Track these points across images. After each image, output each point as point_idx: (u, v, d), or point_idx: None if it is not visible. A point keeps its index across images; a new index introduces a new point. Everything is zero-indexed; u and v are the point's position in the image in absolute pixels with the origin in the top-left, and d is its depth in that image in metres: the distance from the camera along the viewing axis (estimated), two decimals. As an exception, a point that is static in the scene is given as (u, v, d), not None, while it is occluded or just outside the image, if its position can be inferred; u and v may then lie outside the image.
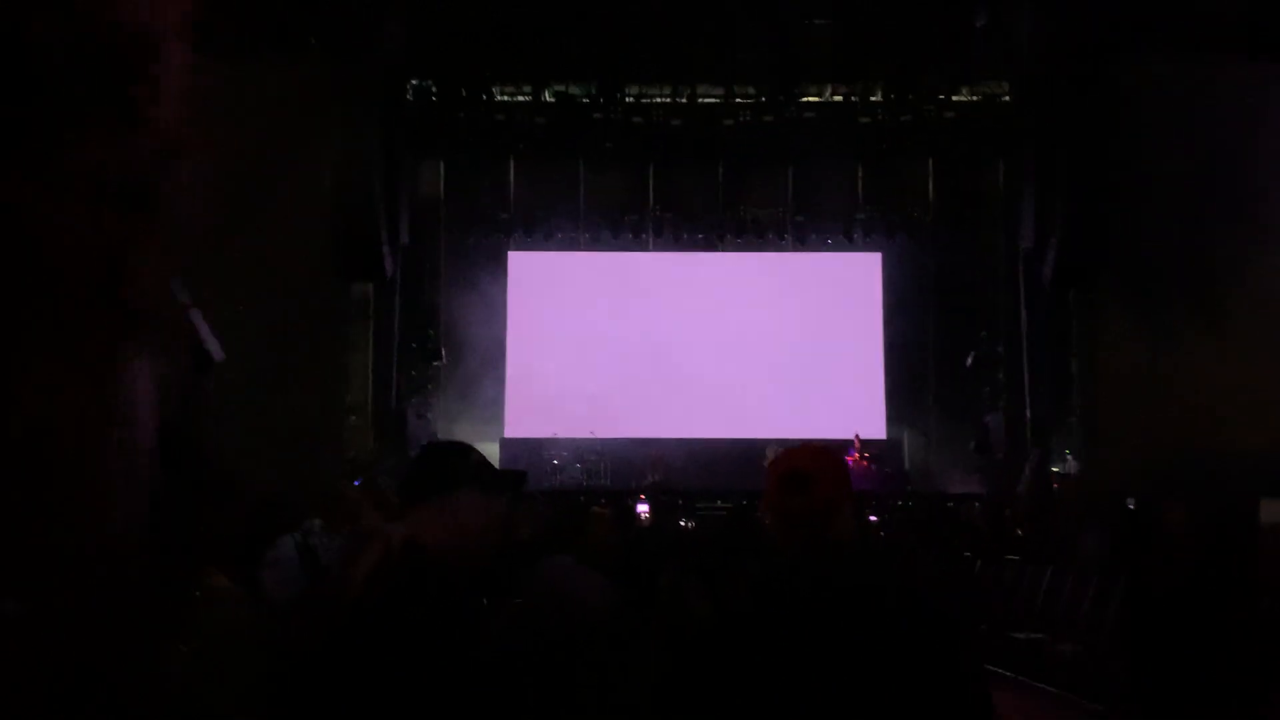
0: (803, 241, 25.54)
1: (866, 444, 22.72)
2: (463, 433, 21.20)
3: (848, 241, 25.55)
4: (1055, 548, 12.25)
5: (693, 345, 25.18)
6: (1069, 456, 20.56)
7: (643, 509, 17.11)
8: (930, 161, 24.97)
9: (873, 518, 16.54)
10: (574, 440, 22.74)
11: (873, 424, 23.94)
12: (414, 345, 23.08)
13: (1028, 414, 21.03)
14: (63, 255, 0.32)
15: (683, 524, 17.42)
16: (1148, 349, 17.80)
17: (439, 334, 23.89)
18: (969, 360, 23.07)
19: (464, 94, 22.82)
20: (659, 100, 23.68)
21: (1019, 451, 20.66)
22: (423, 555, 2.19)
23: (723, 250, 25.28)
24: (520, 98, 23.49)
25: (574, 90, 23.30)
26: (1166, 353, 17.36)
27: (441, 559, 2.20)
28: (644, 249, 25.40)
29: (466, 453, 2.48)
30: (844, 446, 22.70)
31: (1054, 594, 9.87)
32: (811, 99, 23.79)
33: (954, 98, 23.51)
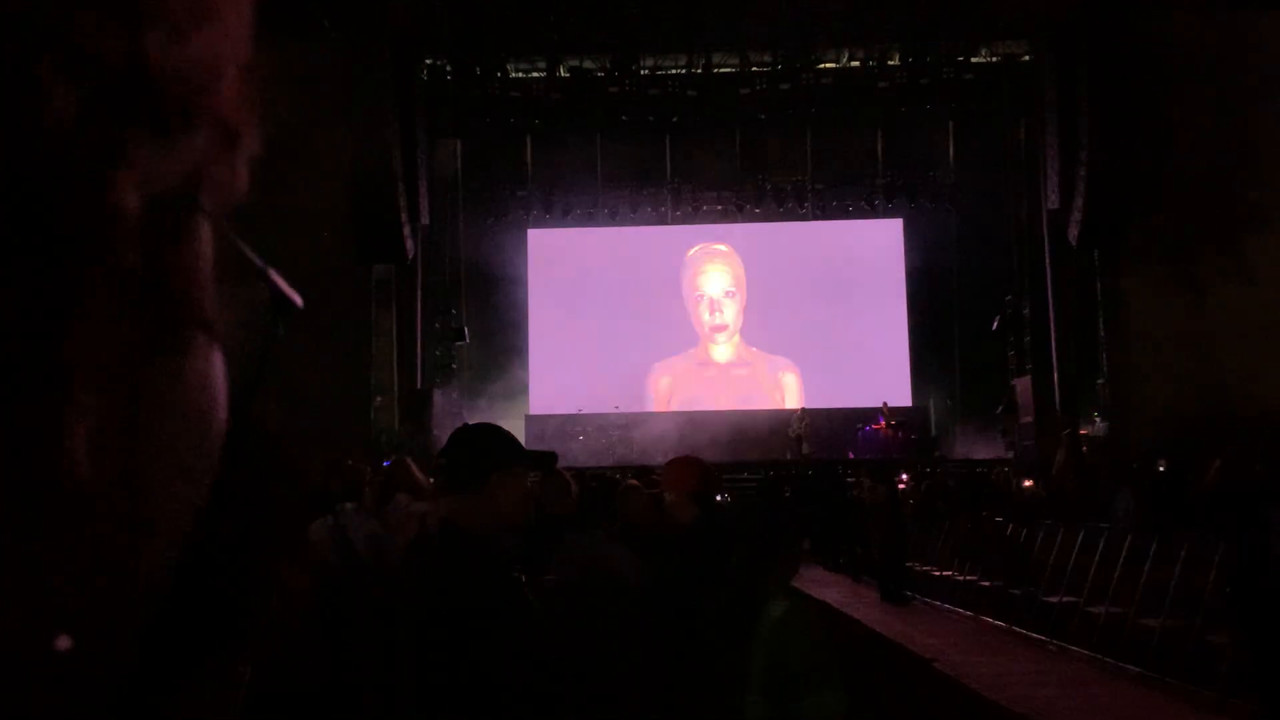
0: (823, 209, 25.36)
1: (893, 411, 22.62)
2: (487, 411, 21.27)
3: (868, 208, 25.37)
4: (1087, 510, 12.18)
5: (717, 315, 25.09)
6: (1097, 418, 20.40)
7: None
8: (950, 124, 24.70)
9: (901, 483, 16.48)
10: (599, 416, 22.77)
11: (899, 391, 23.81)
12: (437, 325, 23.15)
13: (1055, 376, 20.86)
14: (128, 251, 0.30)
15: (721, 498, 17.42)
16: (1176, 307, 17.61)
17: (461, 314, 23.95)
18: (994, 324, 22.89)
19: (478, 72, 22.75)
20: (674, 71, 23.51)
21: (1047, 415, 20.50)
22: (459, 534, 2.23)
23: (743, 221, 25.15)
24: (535, 74, 23.39)
25: (588, 64, 23.17)
26: (1195, 310, 17.17)
27: (477, 538, 2.24)
28: (663, 222, 25.31)
29: (500, 436, 2.51)
30: (870, 415, 22.61)
31: (1086, 556, 9.80)
32: (828, 65, 23.54)
33: (973, 59, 23.20)
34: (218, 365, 0.31)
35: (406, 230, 20.06)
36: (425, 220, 21.56)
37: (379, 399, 20.58)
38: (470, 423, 2.69)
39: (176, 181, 0.30)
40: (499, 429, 2.59)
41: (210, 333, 0.31)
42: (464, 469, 2.39)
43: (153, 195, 0.29)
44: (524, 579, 2.31)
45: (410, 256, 20.81)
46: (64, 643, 0.26)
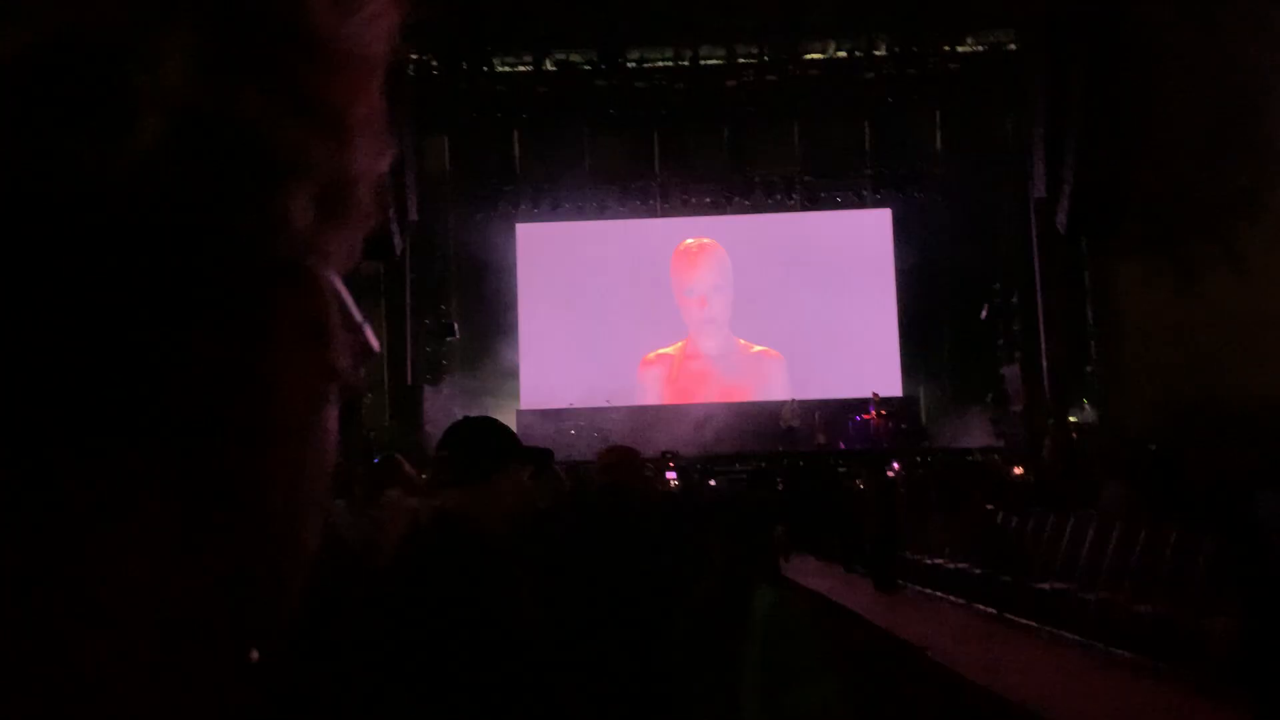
0: (812, 201, 25.38)
1: (883, 401, 22.69)
2: (479, 407, 21.25)
3: (857, 199, 25.40)
4: (1078, 497, 12.23)
5: (706, 309, 25.11)
6: (1087, 405, 20.48)
7: (671, 476, 17.21)
8: (938, 114, 24.72)
9: (891, 473, 16.52)
10: (590, 410, 22.78)
11: (889, 381, 23.87)
12: (426, 322, 23.11)
13: (1044, 365, 20.93)
14: (316, 310, 0.33)
15: (712, 484, 17.48)
16: (1164, 293, 17.67)
17: (451, 310, 23.91)
18: (983, 312, 22.95)
19: (465, 67, 22.68)
20: (661, 64, 23.48)
21: (1036, 403, 20.58)
22: (457, 528, 2.22)
23: (731, 213, 25.16)
24: (522, 68, 23.33)
25: (575, 58, 23.12)
26: (1183, 296, 17.23)
27: (475, 531, 2.24)
28: (652, 215, 25.29)
29: (501, 431, 2.50)
30: (860, 405, 22.68)
31: (1077, 543, 9.85)
32: (815, 56, 23.54)
33: (959, 49, 23.23)
34: (336, 417, 0.35)
35: (395, 227, 20.00)
36: (414, 217, 21.51)
37: (369, 396, 20.53)
38: (469, 416, 2.66)
39: (337, 260, 0.34)
40: (498, 423, 2.56)
41: (341, 383, 0.34)
42: (464, 463, 2.38)
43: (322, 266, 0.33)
44: (521, 573, 2.30)
45: (399, 253, 20.76)
46: (254, 654, 0.30)
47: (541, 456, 2.62)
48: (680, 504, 7.27)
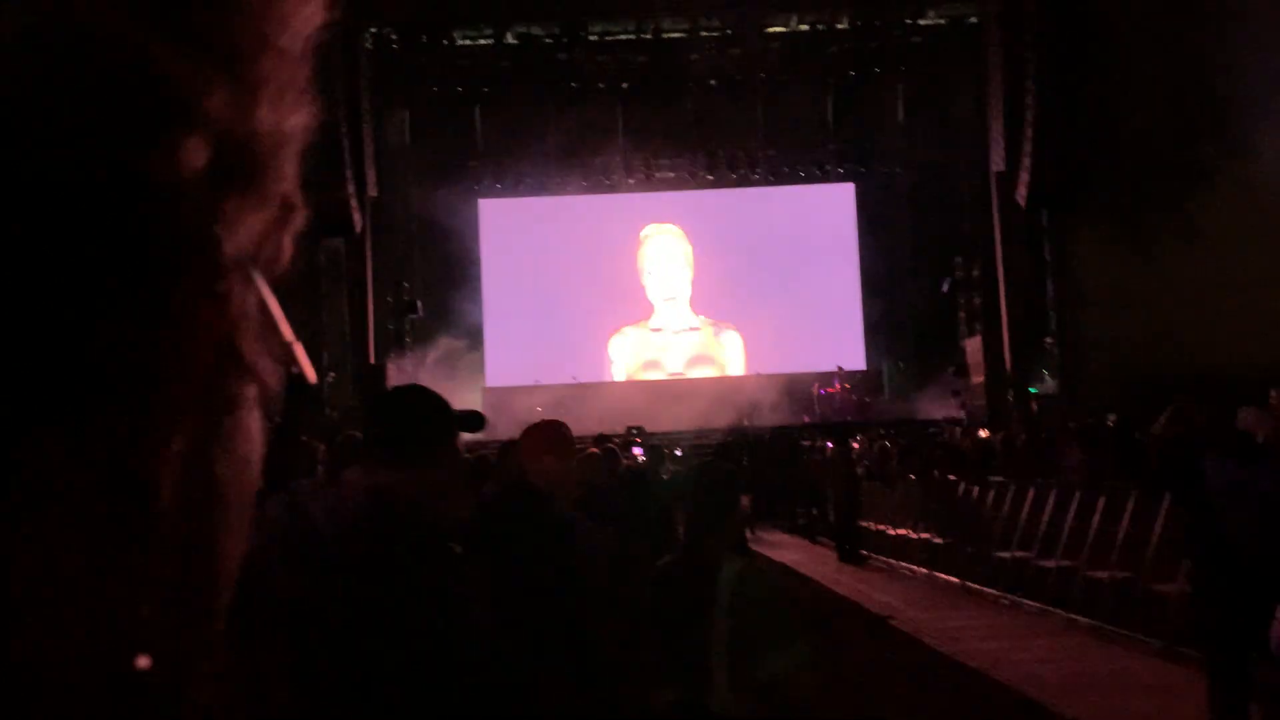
0: (775, 175, 25.39)
1: (848, 374, 22.84)
2: (443, 383, 21.10)
3: (820, 173, 25.45)
4: (1038, 466, 12.40)
5: (669, 285, 25.13)
6: (1047, 376, 20.73)
7: (637, 451, 17.21)
8: (900, 88, 24.78)
9: (855, 445, 16.65)
10: (556, 386, 22.73)
11: (852, 354, 24.05)
12: (389, 299, 22.91)
13: (1005, 336, 21.15)
14: (222, 306, 0.30)
15: (678, 455, 17.52)
16: (1122, 266, 17.88)
17: (414, 286, 23.71)
18: (945, 286, 23.12)
19: (425, 40, 22.39)
20: (623, 37, 23.31)
21: (997, 375, 20.79)
22: (392, 507, 2.08)
23: (695, 188, 25.12)
24: (482, 41, 23.07)
25: (536, 31, 22.89)
26: (1141, 268, 17.44)
27: (411, 510, 2.13)
28: (615, 190, 25.20)
29: (434, 401, 2.28)
30: (825, 379, 22.82)
31: (1037, 513, 10.00)
32: (777, 29, 23.47)
33: (920, 22, 23.26)
34: (259, 423, 0.34)
35: (354, 203, 19.76)
36: (373, 192, 21.27)
37: (331, 374, 20.34)
38: (398, 386, 2.39)
39: (249, 247, 0.32)
40: (430, 391, 2.36)
41: (261, 391, 0.33)
42: (399, 438, 2.19)
43: (234, 257, 0.31)
44: (461, 551, 2.20)
45: (359, 229, 20.52)
46: (143, 662, 0.29)
47: (472, 420, 2.43)
48: (644, 478, 7.26)
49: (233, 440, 0.32)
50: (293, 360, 0.34)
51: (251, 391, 0.33)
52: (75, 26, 0.27)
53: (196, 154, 0.29)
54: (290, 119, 0.33)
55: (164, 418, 0.29)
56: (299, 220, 0.34)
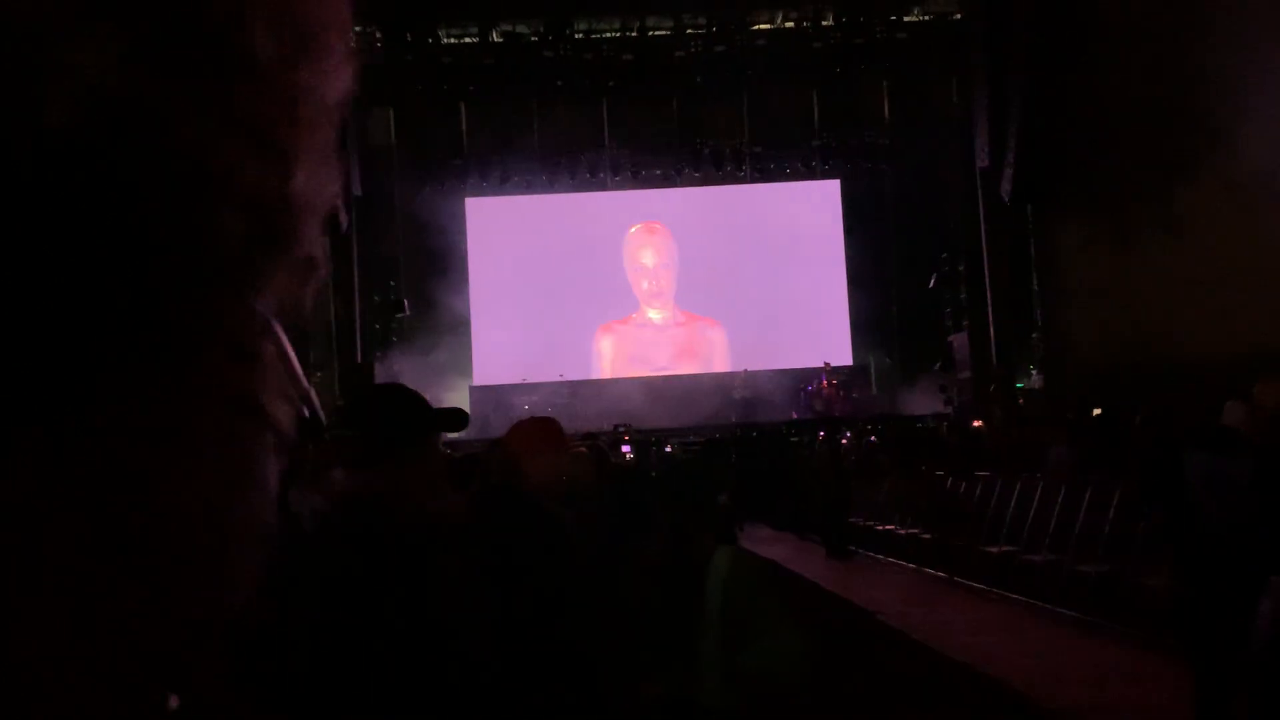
0: (761, 172, 25.43)
1: (835, 370, 22.91)
2: (431, 383, 21.10)
3: (806, 169, 25.49)
4: (1023, 461, 12.46)
5: (657, 283, 25.16)
6: (1033, 371, 20.82)
7: (625, 448, 17.25)
8: (885, 84, 24.84)
9: (843, 441, 16.70)
10: (544, 384, 22.73)
11: (839, 350, 24.11)
12: (376, 298, 22.85)
13: (991, 332, 21.24)
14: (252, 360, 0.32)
15: (668, 452, 17.55)
16: (1107, 260, 17.96)
17: (400, 285, 23.66)
18: (931, 281, 23.20)
19: (409, 38, 22.32)
20: (609, 35, 23.30)
21: (984, 370, 20.88)
22: (367, 511, 2.04)
23: (682, 185, 25.13)
24: (467, 39, 23.03)
25: (521, 29, 22.86)
26: (1125, 262, 17.52)
27: (388, 513, 2.07)
28: (602, 188, 25.17)
29: (414, 399, 2.26)
30: (812, 375, 22.88)
31: (1023, 507, 10.06)
32: (763, 26, 23.51)
33: (905, 18, 23.32)
34: (275, 469, 0.35)
35: (339, 202, 19.69)
36: (358, 191, 21.22)
37: (318, 374, 20.29)
38: (378, 384, 2.31)
39: (275, 305, 0.34)
40: (408, 389, 2.32)
41: (278, 438, 0.35)
42: (382, 439, 2.15)
43: (263, 317, 0.33)
44: (440, 557, 2.17)
45: (344, 228, 20.46)
46: (174, 702, 0.30)
47: (455, 418, 2.38)
48: (630, 476, 7.29)
49: (249, 486, 0.34)
50: (309, 406, 0.36)
51: (269, 439, 0.34)
52: (126, 105, 0.28)
53: (234, 223, 0.31)
54: (319, 187, 0.36)
55: (188, 463, 0.30)
56: (321, 277, 0.36)
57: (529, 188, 24.72)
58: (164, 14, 0.30)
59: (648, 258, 25.27)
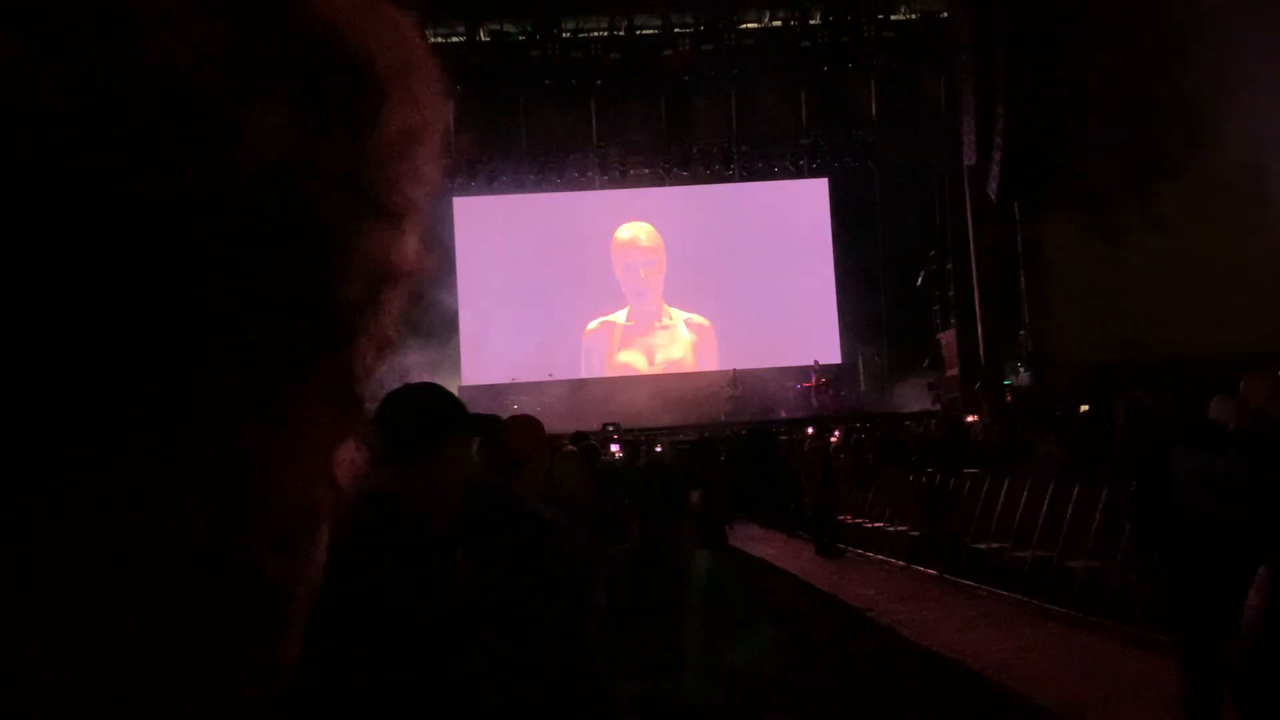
0: (749, 171, 25.45)
1: (824, 369, 22.95)
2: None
3: (794, 168, 25.52)
4: (1012, 458, 12.49)
5: (646, 281, 25.17)
6: (1020, 368, 20.89)
7: (614, 447, 17.24)
8: (872, 83, 24.90)
9: (832, 439, 16.73)
10: (532, 384, 22.72)
11: (828, 348, 24.15)
12: (364, 298, 22.80)
13: (979, 329, 21.30)
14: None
15: (657, 451, 17.55)
16: (1095, 256, 18.04)
17: (388, 285, 23.59)
18: (919, 279, 23.26)
19: (396, 38, 22.25)
20: (596, 34, 23.28)
21: (971, 368, 20.94)
22: (392, 510, 2.04)
23: (670, 185, 25.13)
24: (454, 38, 22.98)
25: (509, 28, 22.83)
26: (1112, 259, 17.61)
27: (413, 514, 2.06)
28: (590, 187, 25.17)
29: (447, 398, 2.25)
30: (801, 373, 22.92)
31: (1012, 504, 10.09)
32: (750, 25, 23.53)
33: (892, 17, 23.37)
34: (325, 536, 0.37)
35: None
36: (347, 191, 21.17)
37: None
38: (410, 383, 2.28)
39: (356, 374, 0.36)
40: (441, 389, 2.30)
41: (336, 505, 0.37)
42: (409, 437, 2.11)
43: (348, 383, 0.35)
44: (463, 558, 2.17)
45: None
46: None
47: (489, 425, 2.36)
48: (612, 475, 7.28)
49: (312, 552, 0.36)
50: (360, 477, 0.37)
51: (330, 506, 0.36)
52: (286, 168, 0.31)
53: (353, 286, 0.33)
54: (417, 268, 0.37)
55: (256, 527, 0.32)
56: (388, 353, 0.37)
57: (517, 187, 24.70)
58: (321, 83, 0.32)
59: (636, 257, 25.29)
